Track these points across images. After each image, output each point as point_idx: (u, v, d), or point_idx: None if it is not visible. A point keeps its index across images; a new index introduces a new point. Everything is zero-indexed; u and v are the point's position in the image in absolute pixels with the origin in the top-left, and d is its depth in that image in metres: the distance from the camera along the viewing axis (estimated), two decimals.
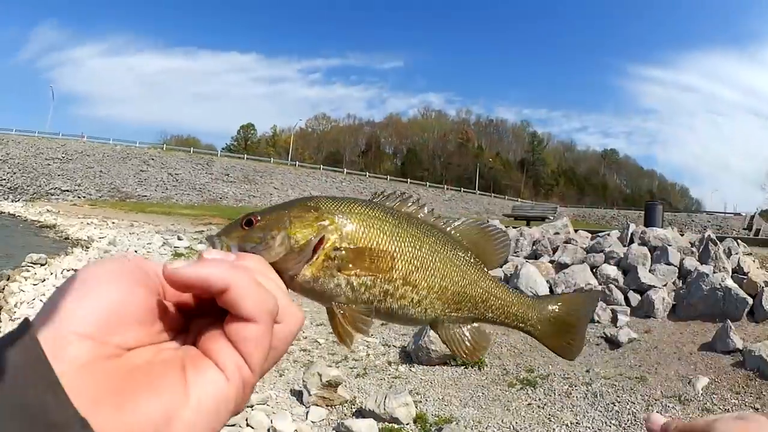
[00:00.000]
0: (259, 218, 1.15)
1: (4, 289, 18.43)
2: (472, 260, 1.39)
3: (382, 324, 15.70)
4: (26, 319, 0.72)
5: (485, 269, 1.42)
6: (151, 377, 0.74)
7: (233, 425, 8.90)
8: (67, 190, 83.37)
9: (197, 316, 0.89)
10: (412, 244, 1.27)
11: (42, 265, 23.73)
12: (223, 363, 0.80)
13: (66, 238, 40.39)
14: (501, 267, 18.86)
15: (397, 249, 1.23)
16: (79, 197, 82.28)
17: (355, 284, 1.18)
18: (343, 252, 1.17)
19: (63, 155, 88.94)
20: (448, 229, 1.40)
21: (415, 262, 1.26)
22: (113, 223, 50.01)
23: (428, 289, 1.28)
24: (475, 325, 1.40)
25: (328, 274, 1.16)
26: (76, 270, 0.93)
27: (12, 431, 0.61)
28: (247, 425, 9.08)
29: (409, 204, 1.36)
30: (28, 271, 22.12)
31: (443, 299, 1.31)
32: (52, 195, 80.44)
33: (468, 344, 1.38)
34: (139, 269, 0.82)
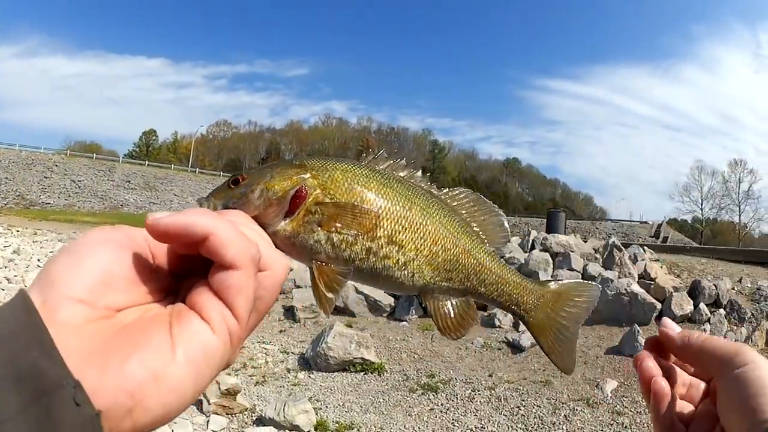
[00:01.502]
0: (245, 176, 1.16)
1: None
2: (468, 229, 1.34)
3: (281, 331, 15.83)
4: (21, 290, 0.72)
5: (483, 241, 1.36)
6: (138, 336, 0.74)
7: None
8: None
9: (187, 278, 0.88)
10: (400, 204, 1.22)
11: None
12: (208, 314, 0.79)
13: None
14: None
15: (383, 206, 1.20)
16: None
17: (335, 240, 1.14)
18: (324, 207, 1.15)
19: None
20: (446, 198, 1.35)
21: (403, 222, 1.21)
22: (17, 231, 49.60)
23: (416, 252, 1.23)
24: (465, 298, 1.34)
25: (309, 229, 1.13)
26: None
27: (8, 396, 0.61)
28: None
29: (402, 169, 1.31)
30: None
31: (432, 265, 1.26)
32: None
33: (454, 318, 1.31)
34: (126, 235, 0.83)
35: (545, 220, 28.56)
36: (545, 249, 19.23)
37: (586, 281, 1.49)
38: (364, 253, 1.16)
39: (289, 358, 14.00)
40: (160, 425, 0.73)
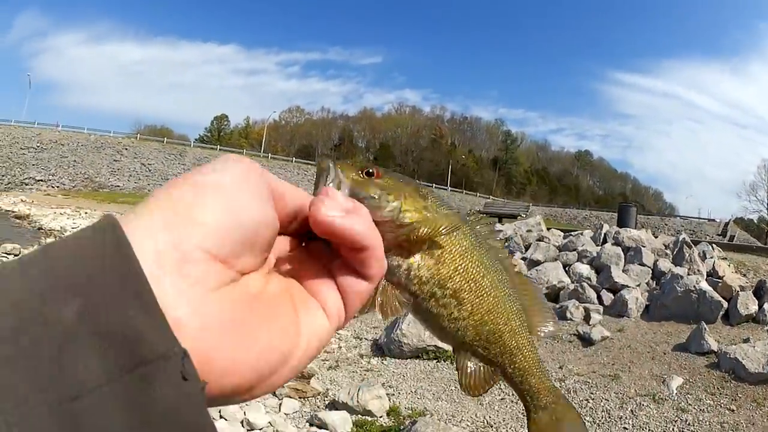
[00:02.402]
0: (381, 173, 1.13)
1: None
2: (521, 315, 1.34)
3: (354, 317, 15.88)
4: (107, 217, 0.62)
5: (527, 330, 1.36)
6: (269, 313, 0.73)
7: None
8: (41, 180, 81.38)
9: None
10: (477, 269, 1.24)
11: (15, 255, 23.21)
12: (330, 307, 0.82)
13: (39, 229, 40.18)
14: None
15: (462, 265, 1.21)
16: (52, 187, 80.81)
17: (412, 273, 1.14)
18: (423, 243, 1.14)
19: (38, 144, 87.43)
20: (514, 278, 1.35)
21: (473, 284, 1.23)
22: (86, 213, 49.77)
23: (470, 314, 1.24)
24: (491, 368, 1.34)
25: (398, 253, 1.12)
26: None
27: (93, 361, 0.52)
28: (221, 417, 9.04)
29: (497, 237, 1.32)
30: (2, 261, 21.77)
31: (478, 331, 1.27)
32: (26, 185, 78.61)
33: (475, 380, 1.33)
34: (270, 186, 0.78)
35: (616, 213, 28.18)
36: (617, 243, 19.08)
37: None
38: (428, 295, 1.17)
39: (362, 343, 14.14)
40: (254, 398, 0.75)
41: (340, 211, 0.81)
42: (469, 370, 1.31)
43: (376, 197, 1.06)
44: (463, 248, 1.21)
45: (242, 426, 8.94)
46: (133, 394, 0.53)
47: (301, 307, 0.79)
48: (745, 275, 17.36)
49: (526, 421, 1.39)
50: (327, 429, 9.23)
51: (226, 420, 8.93)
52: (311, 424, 9.51)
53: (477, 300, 1.24)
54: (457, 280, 1.19)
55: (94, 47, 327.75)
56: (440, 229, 1.14)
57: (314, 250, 0.89)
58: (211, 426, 0.59)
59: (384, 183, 1.10)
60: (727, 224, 72.44)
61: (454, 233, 1.19)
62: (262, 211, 0.73)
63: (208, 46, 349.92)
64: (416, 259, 1.14)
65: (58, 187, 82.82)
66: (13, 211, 52.28)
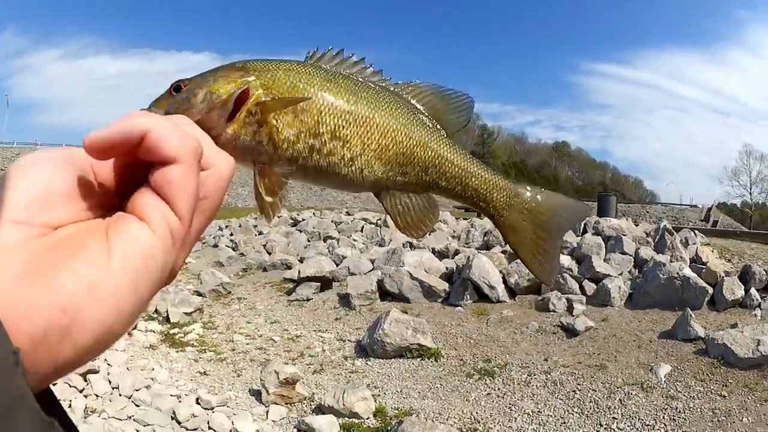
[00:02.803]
0: (187, 82, 1.11)
1: None
2: (423, 120, 1.32)
3: (336, 319, 15.97)
4: None
5: (442, 133, 1.34)
6: (73, 248, 0.68)
7: (195, 429, 8.91)
8: None
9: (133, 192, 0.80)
10: (344, 98, 1.20)
11: None
12: (147, 214, 0.74)
13: None
14: (453, 258, 18.85)
15: (324, 102, 1.18)
16: None
17: (276, 140, 1.13)
18: (264, 106, 1.12)
19: None
20: (400, 91, 1.33)
21: (346, 116, 1.20)
22: None
23: (363, 146, 1.22)
24: (425, 195, 1.33)
25: (250, 130, 1.11)
26: None
27: None
28: (209, 428, 9.03)
29: (352, 66, 1.28)
30: None
31: (383, 159, 1.24)
32: None
33: (413, 214, 1.30)
34: (65, 153, 0.78)
35: (596, 203, 28.39)
36: (597, 233, 19.09)
37: (576, 201, 1.48)
38: (307, 151, 1.15)
39: (345, 345, 14.08)
40: (104, 345, 0.68)
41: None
42: (400, 207, 1.29)
43: (184, 99, 1.07)
44: (317, 87, 1.18)
45: None
46: None
47: (111, 230, 0.72)
48: (729, 260, 17.44)
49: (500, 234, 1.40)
50: None
51: (214, 431, 8.93)
52: (299, 430, 9.51)
53: (362, 129, 1.21)
54: (328, 120, 1.17)
55: (70, 63, 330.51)
56: (275, 81, 1.14)
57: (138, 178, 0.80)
58: (23, 392, 0.57)
59: (190, 85, 1.10)
60: (709, 210, 73.19)
61: (299, 78, 1.17)
62: (44, 174, 0.73)
63: (182, 55, 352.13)
64: (271, 124, 1.12)
65: None
66: None
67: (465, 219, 26.78)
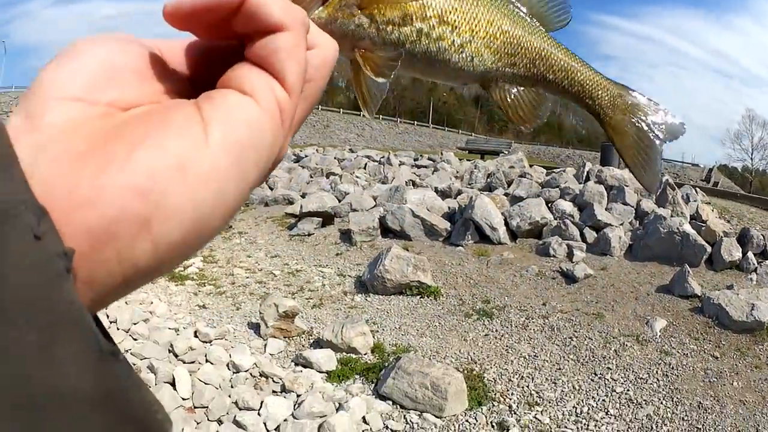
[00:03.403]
0: None
1: None
2: (527, 16, 1.22)
3: (337, 255, 16.12)
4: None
5: (542, 28, 1.25)
6: (154, 122, 0.54)
7: (192, 362, 8.96)
8: None
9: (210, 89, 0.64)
10: None
11: None
12: (251, 85, 0.60)
13: None
14: (455, 198, 18.87)
15: None
16: None
17: (380, 22, 1.03)
18: None
19: (16, 107, 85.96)
20: None
21: (453, 1, 1.09)
22: None
23: (471, 33, 1.12)
24: (536, 89, 1.26)
25: (348, 13, 1.00)
26: None
27: None
28: (207, 361, 9.09)
29: None
30: None
31: (492, 48, 1.16)
32: None
33: (525, 106, 1.25)
34: (131, 35, 0.65)
35: (599, 153, 28.35)
36: (600, 181, 18.99)
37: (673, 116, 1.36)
38: (414, 35, 1.05)
39: (345, 281, 14.12)
40: (194, 246, 0.54)
41: None
42: (512, 99, 1.24)
43: None
44: None
45: (228, 369, 8.97)
46: None
47: (205, 103, 0.58)
48: (729, 221, 17.48)
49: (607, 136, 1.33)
50: (312, 368, 9.30)
51: (212, 364, 8.97)
52: (296, 364, 9.59)
53: (469, 16, 1.12)
54: (434, 3, 1.07)
55: (64, 7, 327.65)
56: None
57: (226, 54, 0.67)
58: (77, 308, 0.42)
59: None
60: (710, 170, 72.62)
61: None
62: (110, 48, 0.59)
63: None
64: (372, 5, 1.02)
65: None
66: None
67: (469, 160, 26.73)
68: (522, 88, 1.24)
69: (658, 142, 1.32)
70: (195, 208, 0.51)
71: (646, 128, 1.31)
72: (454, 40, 1.09)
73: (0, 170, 0.43)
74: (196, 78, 0.68)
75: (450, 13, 1.08)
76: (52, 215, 0.43)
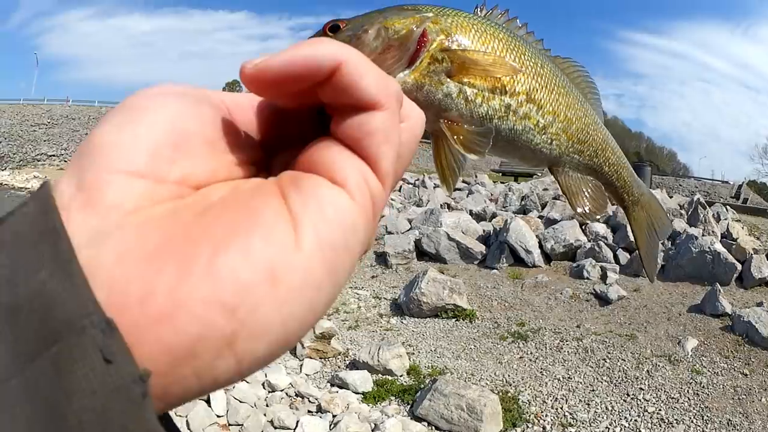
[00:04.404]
0: (346, 23, 0.93)
1: None
2: (588, 103, 1.24)
3: (373, 277, 16.19)
4: (46, 180, 0.50)
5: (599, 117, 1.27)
6: (237, 216, 0.50)
7: None
8: (54, 155, 78.69)
9: (280, 151, 0.66)
10: (533, 60, 1.09)
11: None
12: (342, 175, 0.55)
13: None
14: (490, 221, 18.94)
15: (516, 59, 1.05)
16: (65, 161, 77.87)
17: (469, 94, 0.98)
18: (454, 53, 0.97)
19: (48, 120, 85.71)
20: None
21: (539, 79, 1.08)
22: None
23: (554, 115, 1.11)
24: (592, 179, 1.27)
25: (436, 80, 0.95)
26: None
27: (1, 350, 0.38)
28: (243, 380, 8.84)
29: (518, 26, 1.15)
30: None
31: (568, 133, 1.15)
32: (38, 161, 76.49)
33: (588, 195, 1.24)
34: (199, 90, 0.61)
35: None
36: None
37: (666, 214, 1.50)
38: (503, 110, 1.02)
39: (381, 303, 14.16)
40: (278, 356, 0.51)
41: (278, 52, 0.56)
42: (577, 187, 1.24)
43: (351, 37, 0.88)
44: (503, 39, 1.05)
45: (263, 388, 8.97)
46: (44, 385, 0.38)
47: (293, 194, 0.53)
48: (758, 238, 17.31)
49: (629, 223, 1.43)
50: (348, 388, 9.31)
51: (247, 382, 8.89)
52: (332, 384, 9.57)
53: (553, 96, 1.11)
54: (523, 79, 1.05)
55: (101, 21, 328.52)
56: (458, 27, 1.00)
57: (296, 138, 0.64)
58: None
59: (352, 24, 0.92)
60: (740, 187, 71.48)
61: (484, 28, 1.04)
62: (177, 109, 0.55)
63: (219, 14, 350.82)
64: (463, 74, 0.97)
65: (70, 161, 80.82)
66: (27, 188, 51.88)
67: (502, 183, 26.73)
68: (584, 177, 1.25)
69: (661, 236, 1.48)
70: (284, 322, 0.48)
71: (655, 226, 1.45)
72: (538, 121, 1.09)
73: (56, 269, 0.41)
74: (267, 138, 0.66)
75: (537, 91, 1.08)
76: (121, 329, 0.41)
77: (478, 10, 1.12)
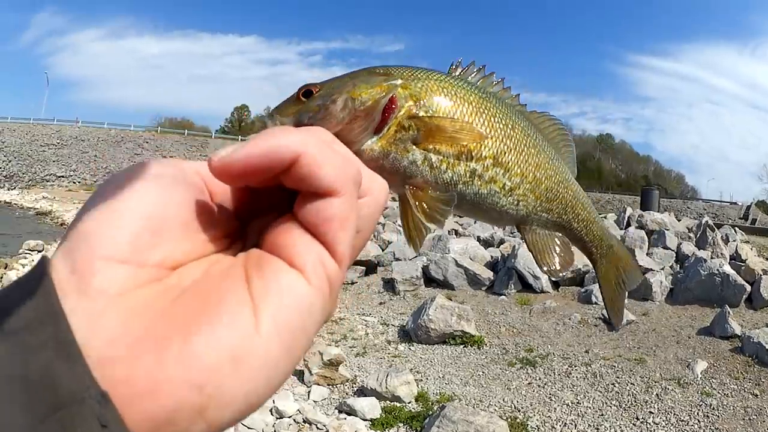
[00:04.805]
0: (318, 87, 0.97)
1: (2, 277, 18.43)
2: (559, 159, 1.27)
3: (380, 303, 16.16)
4: (43, 258, 0.57)
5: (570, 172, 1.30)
6: (205, 302, 0.58)
7: None
8: (62, 176, 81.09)
9: (254, 218, 0.73)
10: (503, 122, 1.11)
11: (39, 251, 23.22)
12: (301, 260, 0.62)
13: (62, 224, 40.35)
14: (498, 247, 18.93)
15: (485, 123, 1.07)
16: (74, 182, 79.64)
17: (434, 161, 1.01)
18: (420, 121, 1.00)
19: (58, 141, 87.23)
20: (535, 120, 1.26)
21: (507, 142, 1.10)
22: None
23: (522, 176, 1.13)
24: (560, 235, 1.28)
25: (402, 147, 0.99)
26: None
27: (13, 409, 0.46)
28: None
29: (494, 82, 1.18)
30: (26, 258, 22.11)
31: (536, 193, 1.17)
32: (47, 181, 78.20)
33: (557, 253, 1.26)
34: (177, 168, 0.67)
35: (638, 197, 28.39)
36: (641, 226, 19.18)
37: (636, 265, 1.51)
38: (468, 175, 1.04)
39: (389, 330, 14.20)
40: (242, 419, 0.59)
41: (242, 144, 0.63)
42: (545, 245, 1.26)
43: (320, 106, 0.93)
44: (476, 105, 1.07)
45: (271, 414, 8.97)
46: None
47: (255, 279, 0.60)
48: (767, 259, 17.30)
49: (596, 275, 1.45)
50: (356, 415, 9.31)
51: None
52: (340, 411, 9.59)
53: (522, 158, 1.13)
54: (490, 143, 1.07)
55: (112, 43, 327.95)
56: (427, 92, 1.03)
57: (275, 210, 0.70)
58: None
59: (324, 90, 0.96)
60: (749, 208, 71.58)
61: (455, 92, 1.06)
62: (154, 197, 0.61)
63: (228, 38, 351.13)
64: (429, 142, 1.01)
65: (79, 182, 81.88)
66: (36, 208, 52.92)
67: None
68: (551, 234, 1.27)
69: (628, 287, 1.48)
70: (246, 395, 0.57)
71: (623, 278, 1.46)
72: (505, 184, 1.11)
73: (60, 350, 0.50)
74: (241, 207, 0.73)
75: (505, 153, 1.10)
76: (113, 401, 0.50)
77: (454, 68, 1.16)
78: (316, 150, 0.63)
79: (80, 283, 0.54)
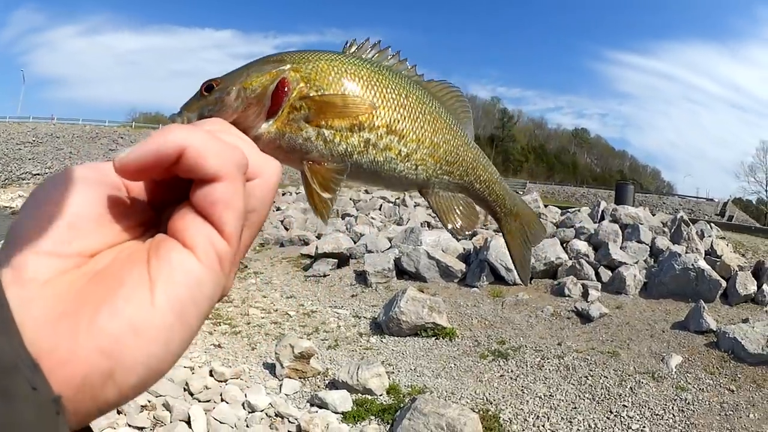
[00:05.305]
0: (218, 82, 1.05)
1: None
2: (457, 123, 1.30)
3: (352, 296, 16.05)
4: None
5: (469, 136, 1.34)
6: (111, 283, 0.66)
7: (208, 401, 8.94)
8: (38, 174, 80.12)
9: (167, 207, 0.78)
10: (395, 91, 1.16)
11: None
12: (192, 241, 0.70)
13: None
14: (470, 239, 18.93)
15: (377, 94, 1.12)
16: None
17: (327, 135, 1.06)
18: (311, 100, 1.06)
19: (33, 139, 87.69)
20: (433, 90, 1.30)
21: (401, 110, 1.15)
22: None
23: (418, 142, 1.18)
24: (463, 196, 1.33)
25: (296, 127, 1.04)
26: None
27: None
28: (222, 400, 9.10)
29: (389, 56, 1.23)
30: None
31: (435, 157, 1.23)
32: (23, 180, 78.52)
33: (460, 212, 1.31)
34: (94, 170, 0.75)
35: (613, 192, 28.54)
36: (615, 220, 19.17)
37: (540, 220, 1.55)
38: (362, 145, 1.09)
39: (361, 322, 14.22)
40: (151, 383, 0.67)
41: (138, 144, 0.70)
42: (448, 205, 1.30)
43: (216, 99, 1.01)
44: (366, 79, 1.12)
45: (243, 408, 8.98)
46: (1, 408, 0.51)
47: (153, 257, 0.68)
48: (743, 255, 17.44)
49: (502, 233, 1.45)
50: (327, 408, 9.34)
51: (227, 403, 8.98)
52: (312, 404, 9.61)
53: (416, 125, 1.18)
54: (383, 113, 1.12)
55: (89, 39, 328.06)
56: (317, 72, 1.08)
57: (183, 194, 0.75)
58: None
59: (222, 84, 1.03)
60: (725, 204, 72.25)
61: (345, 68, 1.11)
62: (72, 198, 0.70)
63: (205, 32, 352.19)
64: (320, 118, 1.05)
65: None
66: (11, 207, 53.91)
67: None
68: (455, 195, 1.31)
69: (534, 243, 1.50)
70: (147, 359, 0.64)
71: (528, 235, 1.48)
72: (401, 150, 1.15)
73: (3, 328, 0.56)
74: (153, 199, 0.79)
75: (398, 121, 1.14)
76: (42, 368, 0.58)
77: (348, 46, 1.21)
78: (199, 142, 0.70)
79: (16, 275, 0.63)
